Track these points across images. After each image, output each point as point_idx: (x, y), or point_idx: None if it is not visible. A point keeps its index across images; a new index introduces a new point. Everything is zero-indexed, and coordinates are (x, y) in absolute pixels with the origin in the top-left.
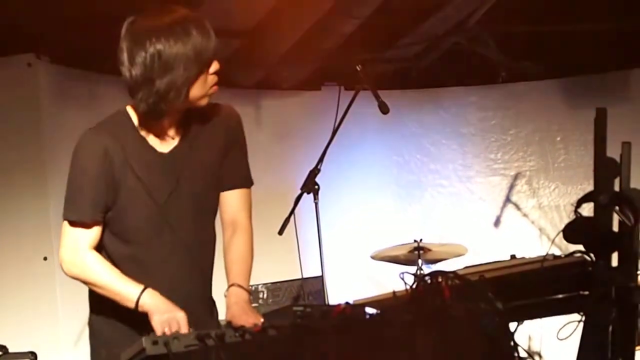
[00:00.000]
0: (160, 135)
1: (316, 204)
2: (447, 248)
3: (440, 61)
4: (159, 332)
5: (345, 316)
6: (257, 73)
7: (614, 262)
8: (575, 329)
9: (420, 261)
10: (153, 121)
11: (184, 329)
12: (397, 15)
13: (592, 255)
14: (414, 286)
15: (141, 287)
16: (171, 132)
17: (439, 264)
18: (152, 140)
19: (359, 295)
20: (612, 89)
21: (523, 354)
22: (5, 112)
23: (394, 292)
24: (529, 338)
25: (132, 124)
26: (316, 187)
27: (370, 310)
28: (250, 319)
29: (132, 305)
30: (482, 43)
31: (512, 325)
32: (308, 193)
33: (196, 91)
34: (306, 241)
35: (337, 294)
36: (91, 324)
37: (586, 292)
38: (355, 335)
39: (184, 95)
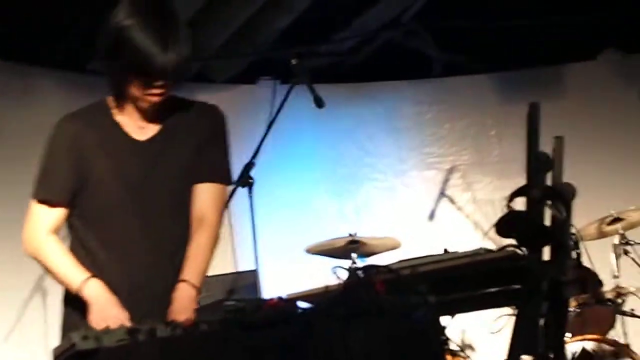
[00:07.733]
0: (138, 124)
1: (251, 197)
2: (382, 241)
3: (376, 55)
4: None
5: (276, 310)
6: (191, 66)
7: (546, 255)
8: (507, 323)
9: (354, 255)
10: (129, 108)
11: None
12: (332, 10)
13: (524, 249)
14: (347, 280)
15: (87, 274)
16: (149, 122)
17: (373, 257)
18: (128, 128)
19: (294, 289)
20: (546, 84)
21: (455, 348)
22: None
23: (326, 286)
24: (462, 332)
25: (109, 111)
26: (251, 180)
27: (302, 304)
28: (184, 315)
29: (74, 290)
30: (418, 37)
31: (446, 319)
32: (243, 187)
33: (133, 90)
34: (241, 235)
35: (272, 288)
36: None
37: (518, 286)
38: (287, 330)
39: (122, 84)
